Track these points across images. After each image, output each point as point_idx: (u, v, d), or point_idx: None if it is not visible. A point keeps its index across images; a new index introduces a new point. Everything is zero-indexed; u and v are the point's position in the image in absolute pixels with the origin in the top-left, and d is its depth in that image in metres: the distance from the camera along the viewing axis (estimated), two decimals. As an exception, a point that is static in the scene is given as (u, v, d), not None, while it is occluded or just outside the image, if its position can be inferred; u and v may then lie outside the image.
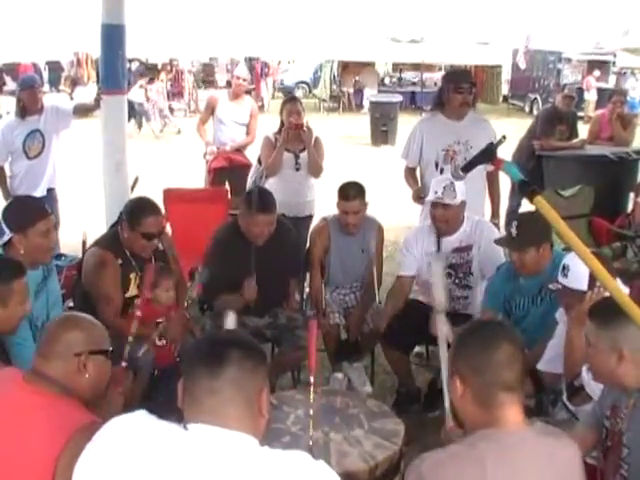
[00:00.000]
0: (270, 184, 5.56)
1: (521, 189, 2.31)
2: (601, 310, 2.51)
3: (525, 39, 21.57)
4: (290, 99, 6.12)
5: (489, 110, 21.94)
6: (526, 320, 3.82)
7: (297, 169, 5.61)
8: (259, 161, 5.87)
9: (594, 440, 2.62)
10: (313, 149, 5.59)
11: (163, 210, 5.72)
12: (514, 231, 3.70)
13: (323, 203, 5.76)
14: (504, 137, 2.85)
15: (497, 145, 2.71)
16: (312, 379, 2.98)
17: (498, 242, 4.00)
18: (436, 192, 4.18)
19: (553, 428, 2.07)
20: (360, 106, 23.67)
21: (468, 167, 2.84)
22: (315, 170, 5.65)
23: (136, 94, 17.73)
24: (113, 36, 5.55)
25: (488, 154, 2.68)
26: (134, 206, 4.01)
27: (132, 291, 3.98)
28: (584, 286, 3.02)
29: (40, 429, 2.03)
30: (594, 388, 2.83)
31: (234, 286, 4.21)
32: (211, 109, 7.24)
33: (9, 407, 2.11)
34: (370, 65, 26.26)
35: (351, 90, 25.19)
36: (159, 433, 1.70)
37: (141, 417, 1.77)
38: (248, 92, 12.82)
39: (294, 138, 5.58)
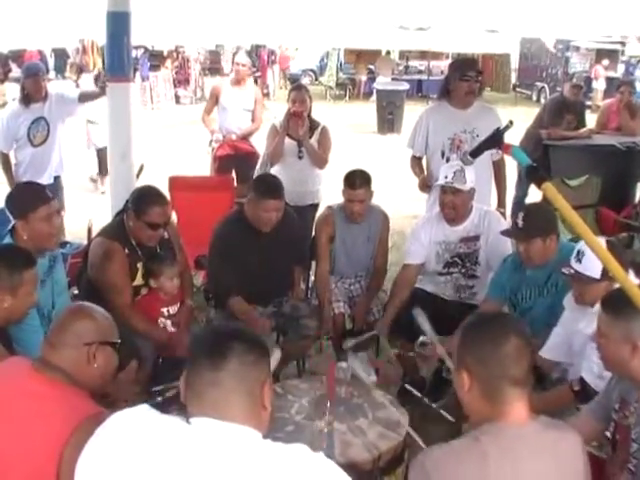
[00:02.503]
0: (274, 172, 5.55)
1: (529, 175, 2.28)
2: (615, 300, 2.47)
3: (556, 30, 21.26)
4: (296, 87, 6.09)
5: (498, 99, 21.85)
6: (532, 311, 3.81)
7: (300, 157, 5.59)
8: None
9: (597, 429, 2.61)
10: (308, 140, 5.55)
11: (169, 198, 5.74)
12: (520, 222, 3.67)
13: (329, 192, 5.74)
14: (511, 122, 2.84)
15: (504, 130, 2.69)
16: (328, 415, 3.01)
17: (505, 233, 3.97)
18: (446, 177, 4.16)
19: (557, 421, 2.06)
20: (371, 94, 23.52)
21: (476, 152, 2.83)
22: (317, 161, 5.63)
23: None
24: (118, 23, 5.52)
25: (496, 139, 2.67)
26: (140, 195, 3.99)
27: (138, 280, 3.98)
28: (597, 274, 3.00)
29: (48, 418, 2.04)
30: (599, 384, 2.82)
31: (239, 276, 4.20)
32: (215, 98, 7.22)
33: (17, 395, 2.11)
34: (385, 53, 26.13)
35: (364, 78, 25.05)
36: (161, 427, 1.70)
37: (143, 411, 1.77)
38: (255, 80, 12.73)
39: (298, 126, 5.55)
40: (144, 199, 3.92)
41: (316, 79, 26.70)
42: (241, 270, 4.20)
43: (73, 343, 2.24)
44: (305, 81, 23.14)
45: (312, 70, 27.47)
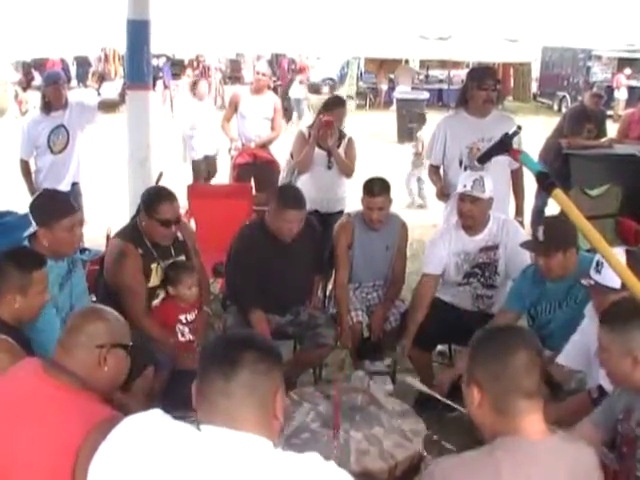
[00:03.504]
0: (302, 180, 5.54)
1: (539, 181, 2.27)
2: (613, 314, 2.49)
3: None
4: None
5: (519, 108, 21.76)
6: (551, 325, 3.77)
7: (329, 167, 5.55)
8: (292, 155, 5.81)
9: (597, 438, 2.59)
10: (336, 151, 5.52)
11: (186, 202, 5.76)
12: (541, 235, 3.62)
13: (349, 199, 5.73)
14: (519, 127, 2.82)
15: (513, 136, 2.67)
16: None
17: (524, 246, 3.89)
18: (465, 185, 4.14)
19: (573, 436, 2.04)
20: (391, 103, 23.49)
21: (484, 158, 2.81)
22: (345, 170, 5.61)
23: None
24: (138, 32, 5.57)
25: (504, 145, 2.65)
26: (150, 194, 4.08)
27: (154, 281, 4.01)
28: (617, 284, 2.96)
29: (61, 420, 2.03)
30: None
31: (257, 284, 4.20)
32: (234, 106, 7.25)
33: (29, 398, 2.11)
34: (404, 62, 26.13)
35: (385, 87, 25.04)
36: (172, 433, 1.69)
37: (155, 417, 1.77)
38: (275, 89, 12.72)
39: (328, 135, 5.53)
40: (153, 197, 4.00)
41: (336, 88, 26.70)
42: (260, 278, 4.20)
43: (85, 345, 2.23)
44: (325, 90, 23.18)
45: (332, 79, 27.47)
